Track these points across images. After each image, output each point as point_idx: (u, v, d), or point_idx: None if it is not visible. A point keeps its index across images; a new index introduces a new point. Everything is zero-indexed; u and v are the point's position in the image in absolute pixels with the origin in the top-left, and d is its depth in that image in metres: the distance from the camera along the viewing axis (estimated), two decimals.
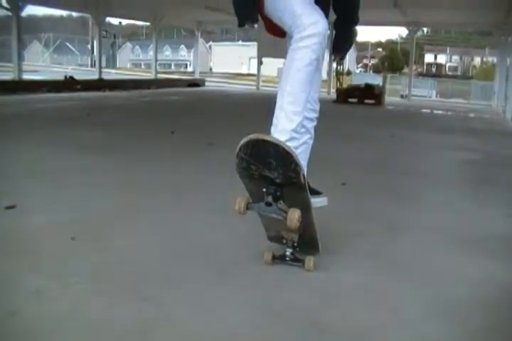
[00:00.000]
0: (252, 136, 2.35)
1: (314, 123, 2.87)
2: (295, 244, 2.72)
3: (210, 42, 70.84)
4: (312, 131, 2.87)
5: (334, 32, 3.00)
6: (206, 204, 3.77)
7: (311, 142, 2.86)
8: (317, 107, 2.87)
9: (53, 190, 4.08)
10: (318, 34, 2.36)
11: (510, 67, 15.41)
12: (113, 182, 4.39)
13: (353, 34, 3.04)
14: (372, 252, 2.99)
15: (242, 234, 3.11)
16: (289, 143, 2.37)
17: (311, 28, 2.36)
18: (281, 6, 2.50)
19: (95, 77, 21.22)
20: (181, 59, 71.95)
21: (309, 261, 2.65)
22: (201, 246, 2.97)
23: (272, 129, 2.48)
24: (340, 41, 3.01)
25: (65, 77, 19.55)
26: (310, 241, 2.77)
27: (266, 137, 2.34)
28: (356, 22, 3.00)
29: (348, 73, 23.37)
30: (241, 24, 2.74)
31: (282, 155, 2.31)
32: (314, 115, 2.85)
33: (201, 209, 3.68)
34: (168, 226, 3.30)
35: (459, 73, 63.51)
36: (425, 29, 54.09)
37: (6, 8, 17.55)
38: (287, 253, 2.72)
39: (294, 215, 2.39)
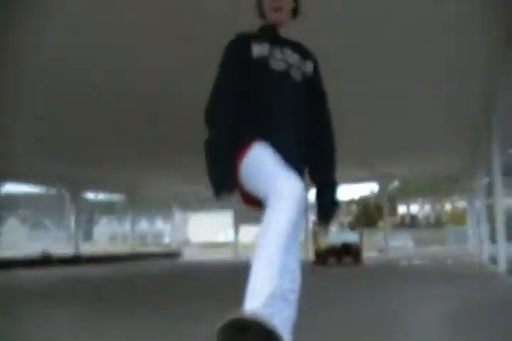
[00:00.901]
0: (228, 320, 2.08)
1: (296, 294, 2.63)
2: None
3: (187, 212, 71.99)
4: (295, 302, 2.61)
5: (316, 200, 2.84)
6: None
7: (293, 313, 2.59)
8: (298, 277, 2.65)
9: None
10: (295, 197, 2.26)
11: (480, 211, 15.81)
12: None
13: (336, 198, 2.86)
14: None
15: None
16: (265, 310, 2.10)
17: (287, 191, 2.27)
18: (255, 171, 2.46)
19: (71, 251, 21.12)
20: (158, 230, 72.53)
21: None
22: None
23: (248, 294, 2.27)
24: (325, 207, 2.82)
25: (42, 252, 19.43)
26: None
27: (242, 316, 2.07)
28: (335, 183, 2.88)
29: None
30: (218, 194, 2.57)
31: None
32: (295, 285, 2.63)
33: None
34: None
35: (432, 221, 64.79)
36: (396, 182, 56.33)
37: None
38: None
39: None
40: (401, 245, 33.17)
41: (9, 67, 8.52)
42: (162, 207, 60.77)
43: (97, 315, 6.54)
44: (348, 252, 17.68)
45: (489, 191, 13.34)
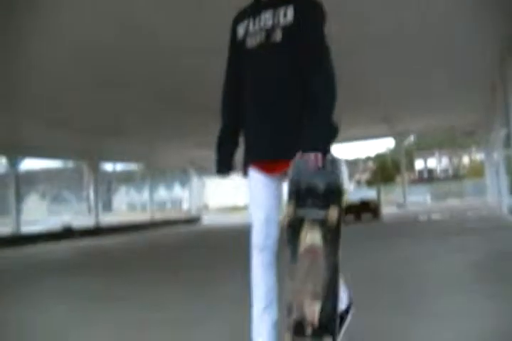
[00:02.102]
0: None
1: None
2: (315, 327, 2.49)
3: (204, 177, 72.27)
4: None
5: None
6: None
7: None
8: None
9: None
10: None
11: (498, 163, 15.65)
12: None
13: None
14: None
15: None
16: None
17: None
18: None
19: (92, 223, 21.33)
20: (176, 197, 73.01)
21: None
22: None
23: None
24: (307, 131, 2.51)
25: (63, 225, 19.65)
26: (330, 316, 2.53)
27: None
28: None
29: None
30: (218, 174, 2.94)
31: None
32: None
33: None
34: None
35: (450, 174, 64.48)
36: (412, 136, 55.97)
37: (5, 165, 18.14)
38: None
39: (334, 212, 2.58)
40: (419, 200, 33.10)
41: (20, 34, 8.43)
42: (180, 173, 61.18)
43: (119, 283, 6.60)
44: (367, 209, 17.70)
45: (507, 143, 13.16)
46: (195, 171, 32.35)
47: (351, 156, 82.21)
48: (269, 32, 2.65)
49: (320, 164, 2.48)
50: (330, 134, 2.57)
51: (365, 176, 74.40)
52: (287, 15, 2.64)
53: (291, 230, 2.56)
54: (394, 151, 39.89)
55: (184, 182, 51.62)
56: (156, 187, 63.30)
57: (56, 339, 3.91)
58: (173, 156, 27.38)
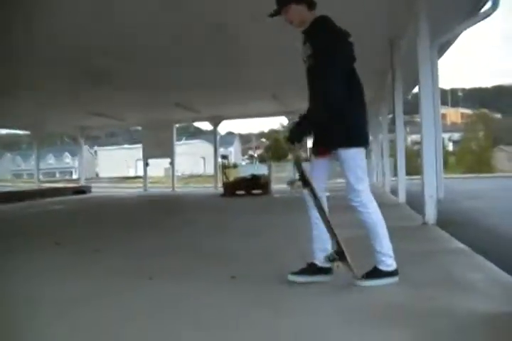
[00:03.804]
0: None
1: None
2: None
3: (95, 147, 70.52)
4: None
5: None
6: None
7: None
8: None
9: None
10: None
11: (384, 146, 16.41)
12: None
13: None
14: None
15: None
16: None
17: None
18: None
19: None
20: (66, 166, 70.88)
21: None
22: None
23: None
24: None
25: None
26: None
27: None
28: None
29: (235, 166, 23.73)
30: (291, 142, 3.91)
31: None
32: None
33: None
34: None
35: None
36: None
37: None
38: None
39: None
40: None
41: None
42: (70, 144, 59.27)
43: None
44: (258, 184, 17.94)
45: (392, 128, 13.89)
46: (86, 141, 31.43)
47: (244, 131, 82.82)
48: (305, 62, 4.10)
49: None
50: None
51: (258, 152, 75.19)
52: (309, 48, 3.99)
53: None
54: (286, 129, 40.52)
55: (74, 151, 50.05)
56: (45, 156, 61.03)
57: None
58: (62, 124, 26.37)
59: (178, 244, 6.73)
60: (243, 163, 59.22)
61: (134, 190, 29.19)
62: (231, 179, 19.33)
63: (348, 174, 4.00)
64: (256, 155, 73.99)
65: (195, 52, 11.79)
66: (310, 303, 3.56)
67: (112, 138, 75.75)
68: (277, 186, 19.44)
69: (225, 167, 20.44)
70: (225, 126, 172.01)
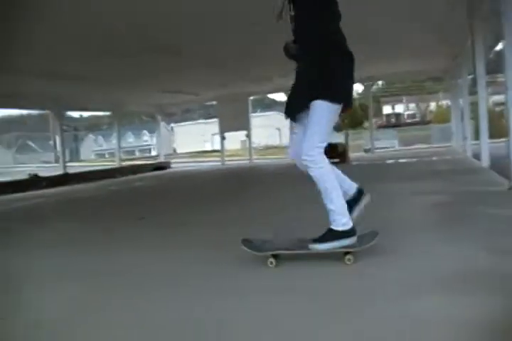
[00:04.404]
0: None
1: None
2: None
3: (172, 124, 71.73)
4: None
5: None
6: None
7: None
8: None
9: None
10: None
11: (464, 108, 15.87)
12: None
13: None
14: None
15: None
16: None
17: None
18: None
19: (60, 172, 21.12)
20: (145, 144, 72.52)
21: None
22: None
23: None
24: None
25: (29, 175, 19.42)
26: None
27: None
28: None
29: None
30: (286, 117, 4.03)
31: None
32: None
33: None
34: None
35: (417, 119, 64.76)
36: (380, 82, 55.93)
37: None
38: None
39: None
40: (387, 145, 33.42)
41: None
42: (148, 121, 60.53)
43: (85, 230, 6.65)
44: (335, 152, 17.78)
45: (472, 90, 13.32)
46: (163, 118, 32.03)
47: None
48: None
49: None
50: None
51: None
52: None
53: None
54: (362, 96, 39.78)
55: (152, 129, 51.12)
56: (124, 135, 62.69)
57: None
58: (140, 103, 26.99)
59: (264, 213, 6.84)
60: None
61: (211, 163, 29.58)
62: None
63: (308, 127, 3.81)
64: None
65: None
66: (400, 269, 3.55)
67: (187, 114, 76.72)
68: (355, 154, 19.25)
69: None
70: None
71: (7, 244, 6.15)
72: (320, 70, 3.75)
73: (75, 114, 58.78)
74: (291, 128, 4.10)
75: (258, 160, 28.48)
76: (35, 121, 73.12)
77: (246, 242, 3.98)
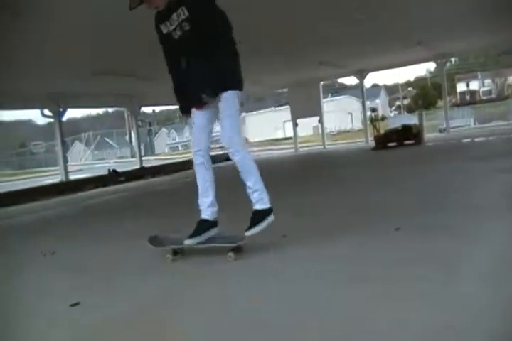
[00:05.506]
0: None
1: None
2: None
3: (243, 114, 72.03)
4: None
5: None
6: None
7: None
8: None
9: None
10: None
11: None
12: None
13: None
14: None
15: None
16: None
17: None
18: None
19: (136, 166, 21.66)
20: (216, 135, 73.04)
21: None
22: None
23: None
24: None
25: (108, 171, 20.01)
26: None
27: None
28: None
29: (383, 118, 23.18)
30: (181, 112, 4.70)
31: None
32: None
33: None
34: None
35: (493, 96, 62.34)
36: (452, 59, 54.11)
37: (49, 116, 18.32)
38: None
39: None
40: (462, 123, 32.36)
41: None
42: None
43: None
44: (410, 134, 17.43)
45: None
46: None
47: (389, 82, 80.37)
48: (171, 32, 4.41)
49: None
50: None
51: (405, 102, 72.86)
52: (184, 12, 4.01)
53: None
54: (435, 74, 38.64)
55: None
56: None
57: None
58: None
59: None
60: (391, 115, 57.72)
61: (285, 151, 29.56)
62: (382, 131, 19.00)
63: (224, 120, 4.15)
64: (404, 105, 71.80)
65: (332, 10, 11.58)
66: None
67: (258, 103, 76.92)
68: (429, 135, 18.76)
69: (374, 120, 20.12)
70: (369, 79, 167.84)
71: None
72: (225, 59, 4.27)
73: (148, 109, 59.80)
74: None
75: (331, 145, 28.20)
76: (111, 118, 75.33)
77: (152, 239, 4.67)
